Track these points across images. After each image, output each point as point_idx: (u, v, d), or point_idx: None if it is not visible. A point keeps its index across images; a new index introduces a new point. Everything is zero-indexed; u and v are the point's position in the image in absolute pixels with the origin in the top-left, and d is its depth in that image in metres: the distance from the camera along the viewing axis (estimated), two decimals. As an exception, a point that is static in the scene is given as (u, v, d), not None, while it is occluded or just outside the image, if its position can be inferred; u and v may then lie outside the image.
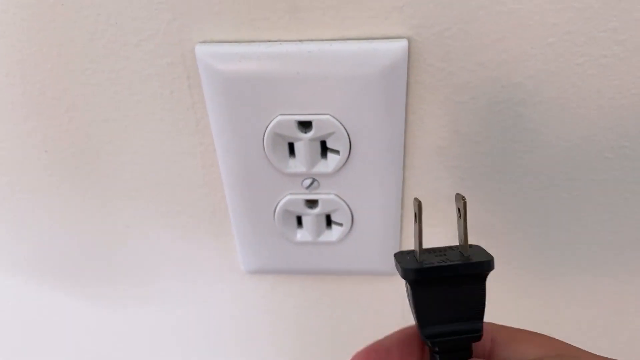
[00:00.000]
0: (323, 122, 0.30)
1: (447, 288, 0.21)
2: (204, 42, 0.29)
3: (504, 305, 0.39)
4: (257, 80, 0.29)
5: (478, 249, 0.22)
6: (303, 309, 0.41)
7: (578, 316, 0.39)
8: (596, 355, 0.18)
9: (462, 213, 0.21)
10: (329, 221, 0.35)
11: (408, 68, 0.28)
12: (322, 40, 0.28)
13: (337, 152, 0.31)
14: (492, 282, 0.37)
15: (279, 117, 0.30)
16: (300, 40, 0.28)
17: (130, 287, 0.41)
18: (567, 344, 0.20)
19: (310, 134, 0.30)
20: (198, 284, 0.40)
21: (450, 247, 0.23)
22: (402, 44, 0.28)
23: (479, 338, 0.21)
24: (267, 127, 0.30)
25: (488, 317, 0.22)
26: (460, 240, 0.22)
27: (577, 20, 0.26)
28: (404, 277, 0.21)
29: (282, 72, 0.28)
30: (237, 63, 0.28)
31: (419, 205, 0.21)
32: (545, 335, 0.21)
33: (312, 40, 0.28)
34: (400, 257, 0.22)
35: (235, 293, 0.41)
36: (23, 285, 0.43)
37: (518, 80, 0.28)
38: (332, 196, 0.33)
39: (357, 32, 0.28)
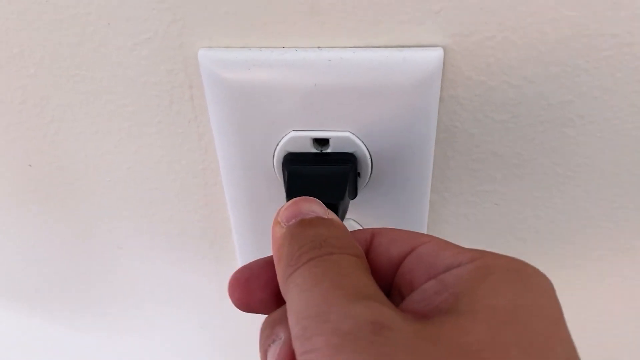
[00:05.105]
0: (342, 140, 0.26)
1: (315, 170, 0.25)
2: (209, 47, 0.25)
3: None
4: (269, 91, 0.25)
5: None
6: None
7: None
8: (447, 242, 0.19)
9: None
10: (344, 247, 0.31)
11: (442, 80, 0.25)
12: (344, 47, 0.25)
13: (357, 173, 0.27)
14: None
15: (292, 133, 0.26)
16: (319, 47, 0.25)
17: (121, 312, 0.38)
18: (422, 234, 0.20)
19: (327, 153, 0.26)
20: (196, 311, 0.37)
21: None
22: (437, 53, 0.24)
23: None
24: (278, 143, 0.27)
25: None
26: None
27: (641, 30, 0.23)
28: (283, 163, 0.26)
29: (297, 83, 0.25)
30: (246, 71, 0.25)
31: None
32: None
33: (332, 47, 0.25)
34: None
35: (236, 321, 0.37)
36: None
37: (568, 98, 0.25)
38: (350, 222, 0.29)
39: (385, 40, 0.24)
